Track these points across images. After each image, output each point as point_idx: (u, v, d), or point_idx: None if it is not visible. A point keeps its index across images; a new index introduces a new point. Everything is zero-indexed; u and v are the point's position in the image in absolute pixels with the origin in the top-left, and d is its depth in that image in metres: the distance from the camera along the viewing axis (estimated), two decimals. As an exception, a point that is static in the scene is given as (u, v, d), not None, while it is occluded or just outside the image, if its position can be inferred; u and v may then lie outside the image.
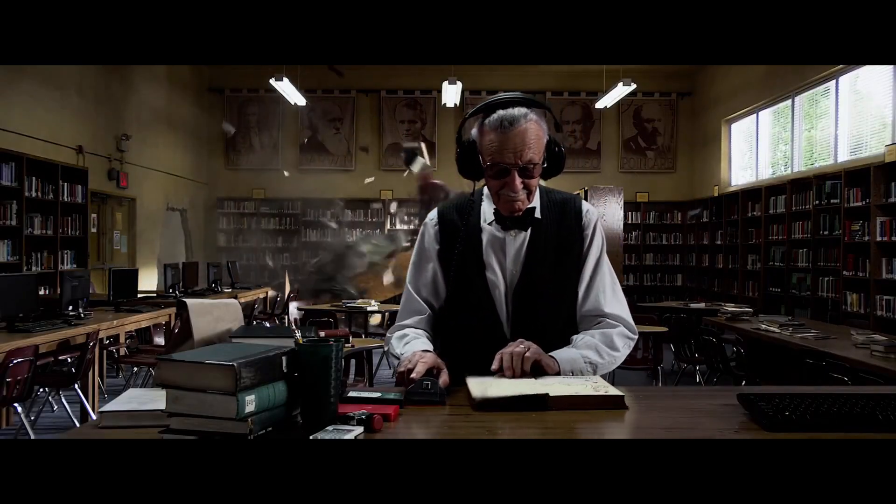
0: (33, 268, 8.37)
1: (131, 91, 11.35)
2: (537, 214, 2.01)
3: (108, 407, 1.35)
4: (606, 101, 12.51)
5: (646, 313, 7.13)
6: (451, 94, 11.86)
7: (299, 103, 12.60)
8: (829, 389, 1.59)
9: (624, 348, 1.99)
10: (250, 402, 1.17)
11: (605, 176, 14.52)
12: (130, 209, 11.56)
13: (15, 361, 4.43)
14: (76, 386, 5.41)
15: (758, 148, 12.08)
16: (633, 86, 11.40)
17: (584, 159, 14.54)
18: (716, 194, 12.85)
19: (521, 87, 14.25)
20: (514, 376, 1.73)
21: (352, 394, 1.51)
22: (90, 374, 5.64)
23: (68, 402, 5.74)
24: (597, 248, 2.06)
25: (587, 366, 1.89)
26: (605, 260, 2.08)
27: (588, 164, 14.53)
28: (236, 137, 14.54)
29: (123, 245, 11.42)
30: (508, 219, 1.98)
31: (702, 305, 8.45)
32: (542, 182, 2.06)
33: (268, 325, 9.28)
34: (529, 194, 1.96)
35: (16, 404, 4.71)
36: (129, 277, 7.61)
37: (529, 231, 2.01)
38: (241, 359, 1.16)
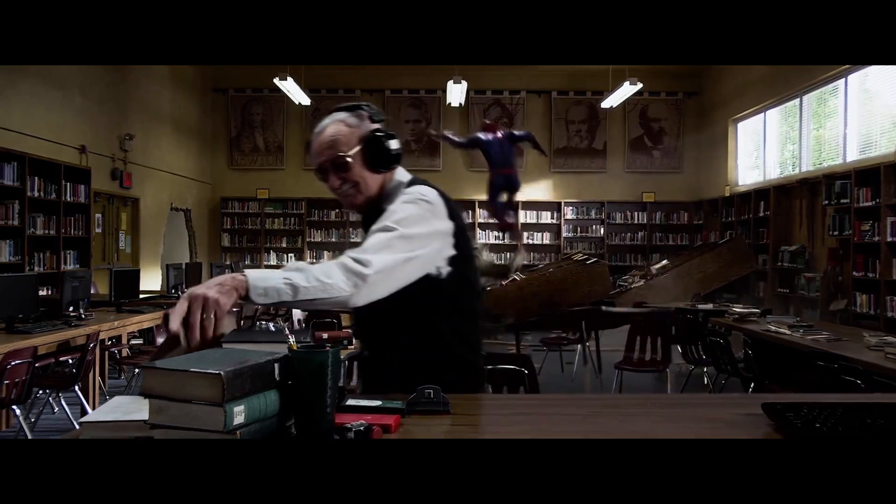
0: (35, 268, 8.31)
1: (134, 90, 11.28)
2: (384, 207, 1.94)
3: (90, 417, 1.27)
4: (612, 100, 12.41)
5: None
6: (455, 93, 11.78)
7: (304, 103, 12.53)
8: (859, 398, 1.51)
9: (341, 280, 1.63)
10: (239, 414, 1.09)
11: (611, 175, 14.43)
12: (134, 209, 11.50)
13: (13, 363, 4.36)
14: (76, 387, 5.34)
15: (765, 147, 11.97)
16: (640, 85, 11.30)
17: (590, 159, 14.45)
18: (727, 194, 12.73)
19: (526, 87, 14.21)
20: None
21: (350, 402, 1.43)
22: (90, 375, 5.58)
23: (69, 404, 5.67)
24: (386, 216, 1.84)
25: (286, 286, 1.54)
26: (394, 226, 1.79)
27: (594, 163, 14.45)
28: (240, 137, 14.49)
29: (128, 245, 11.37)
30: (363, 220, 2.04)
31: (709, 306, 8.34)
32: (401, 177, 2.05)
33: (272, 326, 9.21)
34: (357, 186, 1.97)
35: (14, 406, 4.64)
36: (131, 278, 7.55)
37: None
38: (230, 366, 1.08)
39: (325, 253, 14.41)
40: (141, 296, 8.00)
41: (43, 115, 8.82)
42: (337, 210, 14.23)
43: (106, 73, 10.31)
